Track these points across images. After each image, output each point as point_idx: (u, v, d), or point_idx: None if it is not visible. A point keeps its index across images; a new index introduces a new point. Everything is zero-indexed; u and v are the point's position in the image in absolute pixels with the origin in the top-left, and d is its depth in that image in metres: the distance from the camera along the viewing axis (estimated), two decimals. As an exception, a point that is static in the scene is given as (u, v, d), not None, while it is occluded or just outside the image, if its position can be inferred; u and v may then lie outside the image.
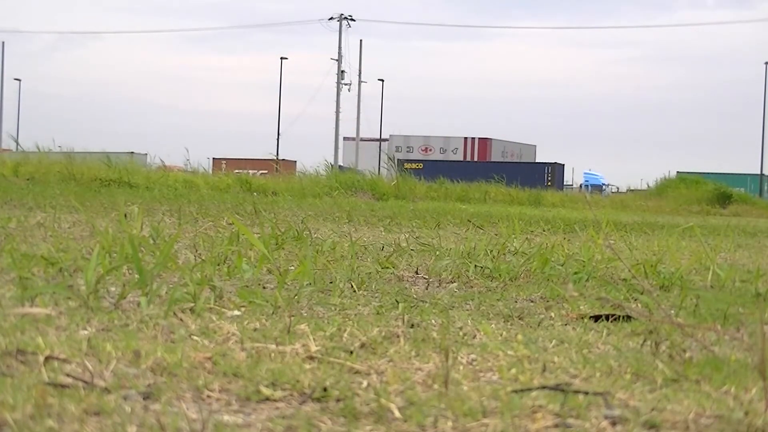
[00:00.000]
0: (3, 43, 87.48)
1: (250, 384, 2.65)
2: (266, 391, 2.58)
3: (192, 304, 3.92)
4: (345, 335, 3.44)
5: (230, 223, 8.93)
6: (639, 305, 4.80)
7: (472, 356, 3.24)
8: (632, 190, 67.61)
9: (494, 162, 64.46)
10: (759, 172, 75.12)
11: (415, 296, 4.84)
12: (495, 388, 2.74)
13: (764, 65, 77.21)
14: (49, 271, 4.76)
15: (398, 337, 3.47)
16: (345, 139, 78.36)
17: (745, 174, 74.59)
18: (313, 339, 3.26)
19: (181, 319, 3.65)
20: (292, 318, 3.69)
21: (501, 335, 3.75)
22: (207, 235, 7.45)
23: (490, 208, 22.49)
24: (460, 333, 3.75)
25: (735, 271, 6.24)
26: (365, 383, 2.73)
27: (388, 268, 6.05)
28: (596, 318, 4.27)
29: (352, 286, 5.00)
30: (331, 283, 5.05)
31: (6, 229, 7.42)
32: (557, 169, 63.23)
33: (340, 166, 41.29)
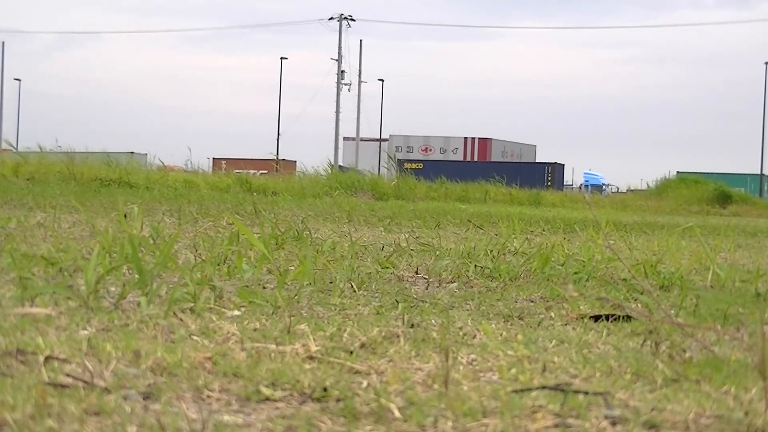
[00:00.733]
0: (3, 43, 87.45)
1: (250, 384, 2.65)
2: (266, 391, 2.58)
3: (192, 304, 3.92)
4: (345, 335, 3.44)
5: (230, 223, 8.93)
6: (639, 305, 4.80)
7: (472, 356, 3.24)
8: (632, 190, 67.63)
9: (494, 162, 64.46)
10: (759, 172, 75.13)
11: (415, 296, 4.84)
12: (495, 388, 2.74)
13: (764, 65, 77.25)
14: (49, 271, 4.76)
15: (398, 337, 3.47)
16: (345, 139, 78.39)
17: (745, 174, 74.60)
18: (313, 339, 3.26)
19: (181, 319, 3.65)
20: (292, 318, 3.69)
21: (501, 335, 3.75)
22: (207, 235, 7.45)
23: (490, 208, 22.49)
24: (460, 333, 3.75)
25: (735, 271, 6.24)
26: (365, 383, 2.73)
27: (388, 268, 6.05)
28: (596, 318, 4.27)
29: (352, 286, 5.00)
30: (331, 283, 5.05)
31: (6, 229, 7.42)
32: (557, 169, 63.27)
33: (340, 166, 41.27)
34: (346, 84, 77.62)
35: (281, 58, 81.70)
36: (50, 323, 3.40)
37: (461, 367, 3.06)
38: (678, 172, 59.37)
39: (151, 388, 2.55)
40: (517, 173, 46.41)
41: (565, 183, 69.84)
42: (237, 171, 32.66)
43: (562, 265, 6.24)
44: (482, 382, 2.87)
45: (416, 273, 6.03)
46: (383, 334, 3.52)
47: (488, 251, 6.98)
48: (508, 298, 4.99)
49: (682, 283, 5.70)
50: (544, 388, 2.71)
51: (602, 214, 18.60)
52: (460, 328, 3.85)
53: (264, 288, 4.82)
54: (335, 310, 4.21)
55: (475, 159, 73.39)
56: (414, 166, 52.67)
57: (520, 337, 3.66)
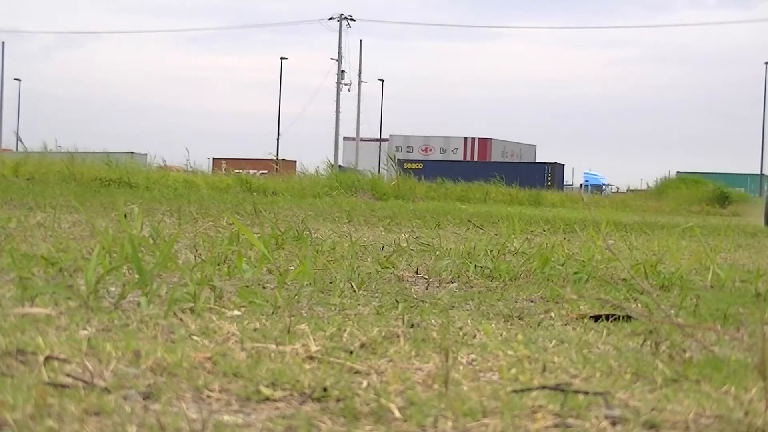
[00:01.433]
0: (3, 43, 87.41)
1: (250, 384, 2.65)
2: (266, 391, 2.58)
3: (192, 304, 3.91)
4: (345, 335, 3.44)
5: (230, 223, 8.92)
6: (639, 305, 4.80)
7: (472, 356, 3.24)
8: (632, 190, 67.61)
9: (494, 162, 64.48)
10: (759, 172, 75.10)
11: (415, 296, 4.83)
12: (495, 388, 2.74)
13: (764, 65, 77.23)
14: (49, 271, 4.76)
15: (398, 337, 3.47)
16: (345, 139, 78.35)
17: (745, 174, 74.58)
18: (313, 339, 3.26)
19: (181, 319, 3.65)
20: (292, 318, 3.69)
21: (501, 335, 3.74)
22: (207, 235, 7.45)
23: (490, 208, 22.49)
24: (460, 333, 3.75)
25: (735, 271, 6.24)
26: (365, 383, 2.73)
27: (388, 268, 6.05)
28: (596, 318, 4.27)
29: (352, 286, 5.00)
30: (331, 283, 5.05)
31: (6, 229, 7.41)
32: (557, 169, 63.27)
33: (340, 166, 41.26)
34: (346, 84, 77.61)
35: (281, 58, 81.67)
36: (50, 323, 3.40)
37: (461, 367, 3.06)
38: (678, 172, 59.39)
39: (151, 388, 2.55)
40: (517, 173, 46.42)
41: (565, 183, 69.82)
42: (237, 171, 32.67)
43: (562, 265, 6.23)
44: (482, 382, 2.87)
45: (416, 273, 6.03)
46: (383, 334, 3.52)
47: (488, 251, 6.98)
48: (508, 298, 4.99)
49: (682, 283, 5.70)
50: (544, 388, 2.71)
51: (602, 214, 18.59)
52: (460, 328, 3.85)
53: (264, 288, 4.82)
54: (335, 310, 4.20)
55: (475, 159, 73.37)
56: (414, 166, 52.68)
57: (520, 337, 3.66)
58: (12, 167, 25.34)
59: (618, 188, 77.92)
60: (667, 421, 2.47)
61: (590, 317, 4.29)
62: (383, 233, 10.46)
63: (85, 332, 3.29)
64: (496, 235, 9.37)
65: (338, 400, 2.54)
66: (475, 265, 6.09)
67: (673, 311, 4.55)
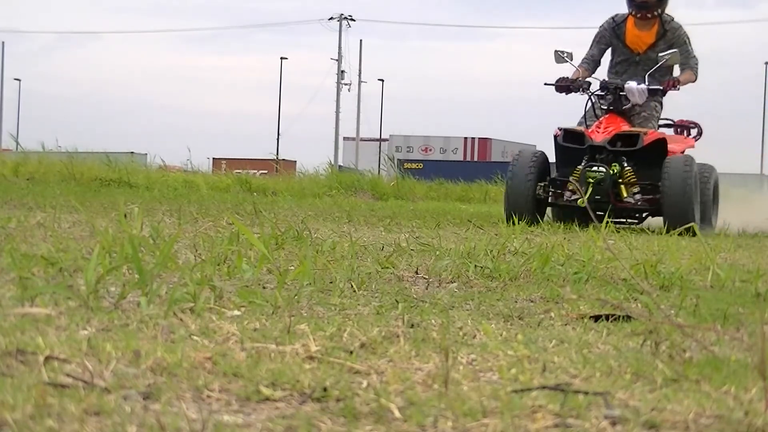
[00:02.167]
0: (3, 43, 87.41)
1: (250, 384, 2.65)
2: (266, 391, 2.58)
3: (192, 304, 3.91)
4: (345, 335, 3.44)
5: (230, 223, 8.92)
6: (639, 305, 4.80)
7: (472, 356, 3.24)
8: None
9: (494, 162, 64.46)
10: (759, 172, 75.12)
11: (415, 296, 4.83)
12: (495, 388, 2.74)
13: (764, 65, 77.28)
14: (49, 271, 4.75)
15: (398, 337, 3.47)
16: (345, 139, 78.37)
17: (745, 174, 74.56)
18: (313, 339, 3.26)
19: (181, 319, 3.65)
20: (292, 318, 3.69)
21: (501, 335, 3.74)
22: (207, 235, 7.45)
23: (490, 208, 22.48)
24: (460, 333, 3.75)
25: (735, 271, 6.24)
26: (365, 383, 2.73)
27: (388, 268, 6.04)
28: (596, 318, 4.27)
29: (352, 286, 5.00)
30: (331, 283, 5.05)
31: (6, 229, 7.41)
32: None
33: (339, 166, 41.25)
34: (346, 84, 77.64)
35: (281, 58, 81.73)
36: (50, 323, 3.40)
37: (461, 367, 3.06)
38: (678, 172, 59.31)
39: (151, 388, 2.55)
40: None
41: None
42: (237, 171, 32.65)
43: (562, 265, 6.23)
44: (482, 382, 2.87)
45: (416, 273, 6.03)
46: (383, 334, 3.52)
47: (488, 251, 6.98)
48: (508, 298, 4.99)
49: (682, 283, 5.70)
50: (544, 388, 2.71)
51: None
52: (460, 328, 3.85)
53: (264, 288, 4.82)
54: (335, 310, 4.20)
55: (475, 159, 73.35)
56: (414, 166, 52.65)
57: (520, 337, 3.66)
58: (12, 167, 25.34)
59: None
60: (667, 421, 2.47)
61: (590, 317, 4.29)
62: (383, 233, 10.45)
63: (85, 332, 3.29)
64: (496, 235, 9.37)
65: (338, 400, 2.54)
66: (475, 265, 6.09)
67: (673, 311, 4.55)
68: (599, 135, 14.06)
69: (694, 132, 16.32)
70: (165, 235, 6.65)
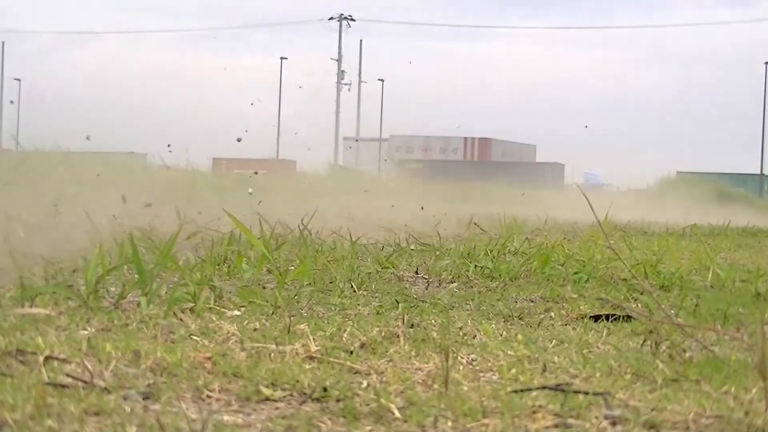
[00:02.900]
0: (3, 43, 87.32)
1: (250, 384, 2.65)
2: (266, 391, 2.58)
3: (192, 304, 3.91)
4: (345, 335, 3.44)
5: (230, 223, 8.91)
6: (639, 305, 4.79)
7: (472, 356, 3.24)
8: (632, 190, 67.51)
9: (494, 162, 64.46)
10: (759, 172, 75.05)
11: (415, 296, 4.83)
12: (495, 388, 2.74)
13: (764, 65, 77.20)
14: (49, 271, 4.75)
15: (398, 337, 3.47)
16: (345, 139, 78.28)
17: (745, 174, 74.50)
18: (313, 339, 3.26)
19: (181, 319, 3.65)
20: (292, 318, 3.69)
21: (501, 335, 3.74)
22: (207, 235, 7.44)
23: (490, 208, 22.48)
24: (460, 333, 3.75)
25: (735, 271, 6.24)
26: (365, 383, 2.72)
27: (388, 268, 6.04)
28: (596, 318, 4.27)
29: (352, 286, 5.00)
30: (331, 283, 5.05)
31: (7, 230, 7.40)
32: (557, 169, 63.22)
33: (339, 166, 41.23)
34: (346, 84, 77.56)
35: (281, 58, 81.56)
36: (50, 323, 3.40)
37: (461, 367, 3.06)
38: (678, 172, 59.34)
39: (151, 388, 2.55)
40: (517, 173, 46.38)
41: (565, 183, 69.72)
42: (237, 171, 32.64)
43: (562, 265, 6.23)
44: (482, 382, 2.87)
45: (416, 273, 6.03)
46: (383, 334, 3.52)
47: (488, 251, 6.98)
48: (508, 298, 4.98)
49: (682, 283, 5.70)
50: (544, 388, 2.71)
51: (602, 214, 18.56)
52: (460, 328, 3.85)
53: (264, 288, 4.81)
54: (335, 310, 4.20)
55: (475, 159, 73.30)
56: (414, 166, 52.64)
57: (520, 337, 3.66)
58: (12, 167, 25.32)
59: (618, 188, 77.82)
60: (667, 421, 2.47)
61: (590, 317, 4.29)
62: (383, 233, 10.44)
63: (85, 332, 3.29)
64: (495, 235, 9.36)
65: (338, 400, 2.54)
66: (475, 265, 6.09)
67: (673, 311, 4.54)
68: None
69: None
70: (165, 235, 6.65)
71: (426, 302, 4.59)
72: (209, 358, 2.89)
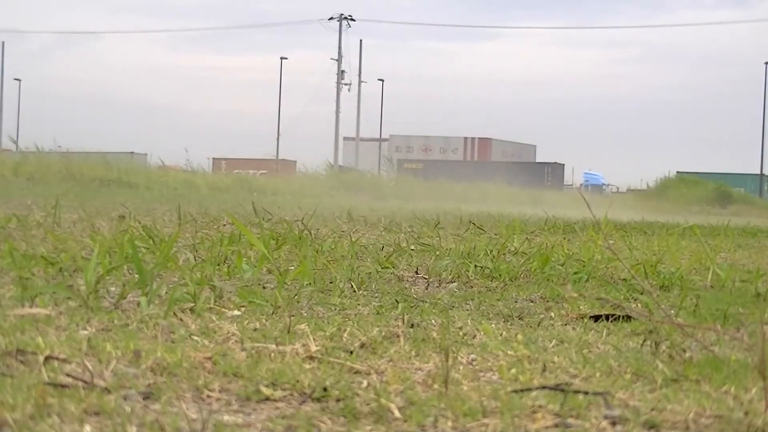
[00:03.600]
0: (3, 43, 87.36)
1: (250, 384, 2.65)
2: (266, 391, 2.58)
3: (192, 304, 3.92)
4: (345, 335, 3.44)
5: (230, 223, 8.93)
6: (639, 305, 4.80)
7: (472, 356, 3.24)
8: (632, 190, 67.64)
9: (494, 162, 64.48)
10: (759, 172, 75.09)
11: (415, 296, 4.84)
12: (495, 388, 2.74)
13: (764, 65, 77.22)
14: (49, 271, 4.76)
15: (398, 337, 3.47)
16: (345, 139, 78.29)
17: (745, 174, 74.55)
18: (313, 339, 3.26)
19: (181, 319, 3.65)
20: (292, 318, 3.69)
21: (501, 335, 3.75)
22: (207, 235, 7.45)
23: (490, 208, 22.49)
24: (460, 333, 3.75)
25: (735, 271, 6.24)
26: (365, 383, 2.73)
27: (388, 268, 6.05)
28: (596, 318, 4.27)
29: (352, 286, 5.00)
30: (331, 283, 5.05)
31: (6, 229, 7.42)
32: (557, 169, 63.30)
33: (339, 166, 41.26)
34: (346, 84, 77.58)
35: (281, 58, 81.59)
36: (50, 323, 3.40)
37: (461, 367, 3.06)
38: (678, 172, 59.42)
39: (151, 388, 2.55)
40: (517, 173, 46.40)
41: (565, 183, 69.79)
42: (237, 171, 32.70)
43: (562, 265, 6.24)
44: (482, 382, 2.88)
45: (416, 273, 6.03)
46: (383, 334, 3.52)
47: (488, 251, 6.99)
48: (508, 298, 4.99)
49: (682, 283, 5.70)
50: (544, 388, 2.71)
51: (602, 214, 18.58)
52: (460, 328, 3.85)
53: (264, 288, 4.82)
54: (335, 310, 4.21)
55: (475, 159, 73.35)
56: (414, 166, 52.72)
57: (520, 337, 3.66)
58: (12, 167, 25.36)
59: (618, 188, 77.93)
60: (667, 421, 2.47)
61: (590, 317, 4.29)
62: (383, 233, 10.45)
63: (85, 332, 3.29)
64: (495, 235, 9.37)
65: (338, 400, 2.54)
66: (475, 265, 6.09)
67: (673, 311, 4.55)
68: None
69: None
70: (165, 235, 6.66)
71: (426, 302, 4.59)
72: (209, 358, 2.89)
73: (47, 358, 2.74)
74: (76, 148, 30.78)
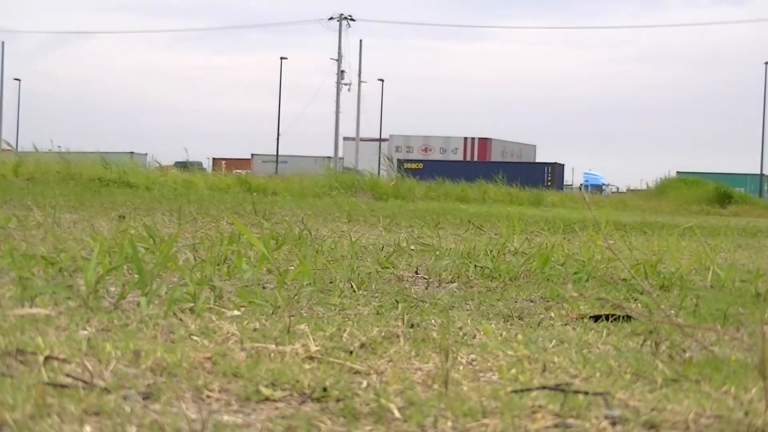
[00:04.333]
0: (3, 43, 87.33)
1: (250, 384, 2.65)
2: (266, 391, 2.58)
3: (192, 304, 3.91)
4: (345, 335, 3.44)
5: (230, 223, 8.92)
6: (639, 305, 4.80)
7: (472, 356, 3.24)
8: (632, 190, 67.66)
9: (494, 162, 64.44)
10: (759, 172, 75.05)
11: (415, 296, 4.84)
12: (495, 388, 2.74)
13: (764, 65, 77.18)
14: (49, 271, 4.75)
15: (398, 337, 3.47)
16: (345, 139, 78.27)
17: (745, 174, 74.52)
18: (313, 339, 3.26)
19: (181, 319, 3.65)
20: (292, 318, 3.69)
21: (501, 335, 3.75)
22: (207, 235, 7.45)
23: (490, 208, 22.49)
24: (460, 333, 3.75)
25: (735, 271, 6.24)
26: (365, 383, 2.73)
27: (388, 268, 6.05)
28: (596, 318, 4.27)
29: (352, 286, 5.00)
30: (331, 283, 5.05)
31: (6, 229, 7.41)
32: (557, 169, 63.25)
33: (344, 168, 41.26)
34: (346, 84, 77.55)
35: (281, 58, 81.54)
36: (50, 323, 3.40)
37: (461, 367, 3.06)
38: (678, 172, 59.40)
39: (151, 388, 2.55)
40: (517, 173, 46.39)
41: (565, 183, 69.76)
42: (237, 171, 32.72)
43: (562, 265, 6.24)
44: (482, 382, 2.88)
45: (416, 273, 6.03)
46: (383, 334, 3.52)
47: (488, 251, 6.98)
48: (508, 298, 4.99)
49: (682, 283, 5.70)
50: (544, 388, 2.71)
51: (602, 214, 18.60)
52: (460, 328, 3.85)
53: (264, 288, 4.82)
54: (335, 310, 4.21)
55: (475, 159, 73.31)
56: (414, 166, 52.73)
57: (520, 337, 3.66)
58: (12, 167, 25.36)
59: (618, 188, 77.95)
60: (667, 421, 2.47)
61: (590, 317, 4.29)
62: (383, 233, 10.45)
63: (85, 332, 3.29)
64: (495, 235, 9.37)
65: (338, 400, 2.54)
66: (475, 265, 6.09)
67: (673, 311, 4.55)
68: None
69: None
70: (165, 235, 6.65)
71: (426, 302, 4.59)
72: (209, 358, 2.89)
73: (47, 358, 2.74)
74: (74, 148, 30.79)
